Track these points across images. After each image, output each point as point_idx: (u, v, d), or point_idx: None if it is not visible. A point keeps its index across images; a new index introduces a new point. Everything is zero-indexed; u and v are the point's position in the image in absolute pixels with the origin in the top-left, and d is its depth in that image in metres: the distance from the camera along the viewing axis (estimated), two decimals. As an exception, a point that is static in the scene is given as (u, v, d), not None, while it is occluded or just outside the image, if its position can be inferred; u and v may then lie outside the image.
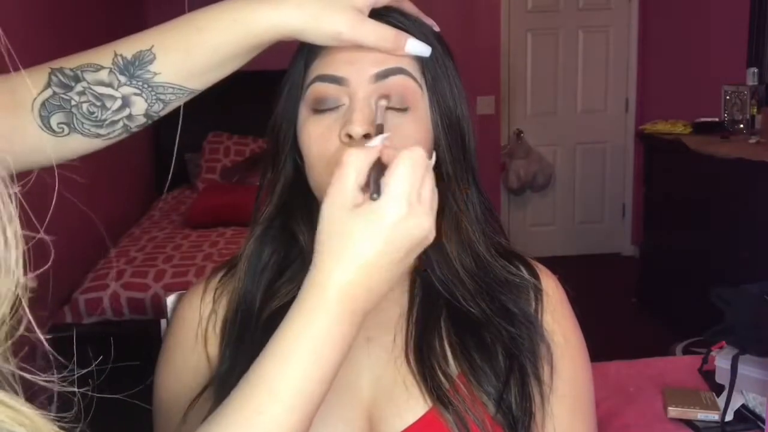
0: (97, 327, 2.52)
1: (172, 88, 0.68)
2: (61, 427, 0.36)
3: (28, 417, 0.34)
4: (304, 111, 0.75)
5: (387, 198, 0.57)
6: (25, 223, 0.37)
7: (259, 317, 0.77)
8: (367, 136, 0.69)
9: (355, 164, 0.58)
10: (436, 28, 0.76)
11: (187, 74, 0.68)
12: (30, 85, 0.65)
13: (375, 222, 0.56)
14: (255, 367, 0.57)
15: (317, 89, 0.73)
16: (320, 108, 0.73)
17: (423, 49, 0.71)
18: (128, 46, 0.67)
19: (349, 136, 0.69)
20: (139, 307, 2.61)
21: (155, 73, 0.67)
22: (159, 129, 3.93)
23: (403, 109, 0.72)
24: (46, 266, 0.38)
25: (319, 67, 0.73)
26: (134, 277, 2.68)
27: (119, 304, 2.59)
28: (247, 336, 0.77)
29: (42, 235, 0.37)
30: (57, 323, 2.50)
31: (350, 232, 0.57)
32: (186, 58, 0.67)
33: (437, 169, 0.74)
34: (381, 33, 0.68)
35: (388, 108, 0.71)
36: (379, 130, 0.66)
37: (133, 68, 0.66)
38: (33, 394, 0.36)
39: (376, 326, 0.78)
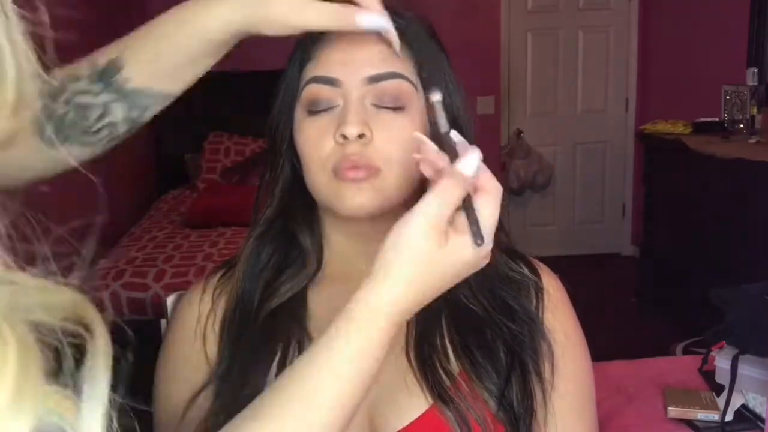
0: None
1: (144, 92, 0.69)
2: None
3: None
4: (299, 112, 0.75)
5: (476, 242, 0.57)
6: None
7: (257, 317, 0.77)
8: (361, 137, 0.69)
9: (450, 196, 0.56)
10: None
11: (155, 77, 0.69)
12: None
13: (458, 263, 0.57)
14: (294, 373, 0.56)
15: (311, 91, 0.73)
16: (315, 109, 0.73)
17: (381, 23, 0.68)
18: (103, 56, 0.69)
19: (344, 137, 0.69)
20: (139, 307, 2.61)
21: (126, 79, 0.68)
22: (160, 130, 3.93)
23: (399, 108, 0.72)
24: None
25: (313, 69, 0.74)
26: (134, 277, 2.68)
27: (119, 304, 2.59)
28: (246, 335, 0.77)
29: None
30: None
31: (434, 265, 0.56)
32: (151, 62, 0.69)
33: None
34: (324, 11, 0.67)
35: (381, 107, 0.71)
36: (447, 141, 0.60)
37: (106, 76, 0.68)
38: None
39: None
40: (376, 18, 0.67)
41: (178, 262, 2.83)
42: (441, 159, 0.59)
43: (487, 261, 0.60)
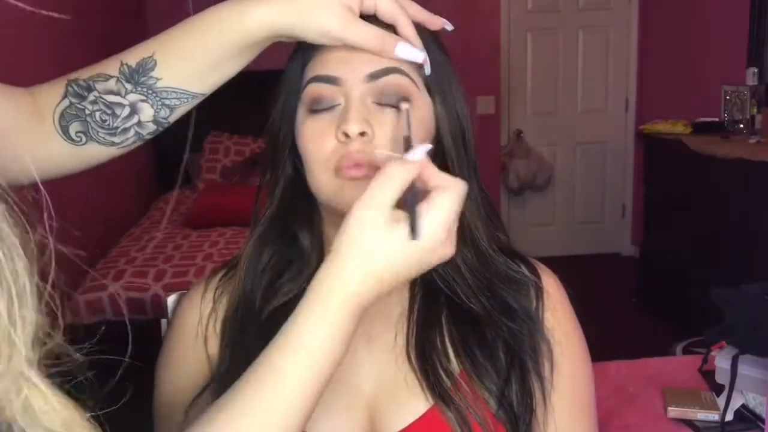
0: (98, 327, 2.52)
1: (175, 92, 0.70)
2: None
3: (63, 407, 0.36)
4: (301, 112, 0.75)
5: (424, 233, 0.58)
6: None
7: (258, 317, 0.77)
8: (363, 134, 0.69)
9: (396, 179, 0.58)
10: (449, 27, 0.76)
11: (186, 77, 0.69)
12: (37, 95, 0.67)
13: (404, 250, 0.58)
14: (261, 358, 0.58)
15: (313, 90, 0.73)
16: (316, 108, 0.73)
17: (414, 54, 0.71)
18: (133, 55, 0.69)
19: (346, 135, 0.69)
20: (139, 307, 2.61)
21: (157, 79, 0.69)
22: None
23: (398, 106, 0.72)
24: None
25: (314, 68, 0.74)
26: (134, 277, 2.68)
27: (119, 304, 2.59)
28: (247, 336, 0.77)
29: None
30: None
31: (379, 250, 0.58)
32: (183, 62, 0.69)
33: (442, 162, 0.74)
34: (369, 33, 0.68)
35: (383, 105, 0.71)
36: (407, 142, 0.64)
37: (137, 75, 0.69)
38: None
39: (377, 325, 0.78)
40: (415, 51, 0.70)
41: (178, 262, 2.83)
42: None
43: (449, 252, 0.60)
